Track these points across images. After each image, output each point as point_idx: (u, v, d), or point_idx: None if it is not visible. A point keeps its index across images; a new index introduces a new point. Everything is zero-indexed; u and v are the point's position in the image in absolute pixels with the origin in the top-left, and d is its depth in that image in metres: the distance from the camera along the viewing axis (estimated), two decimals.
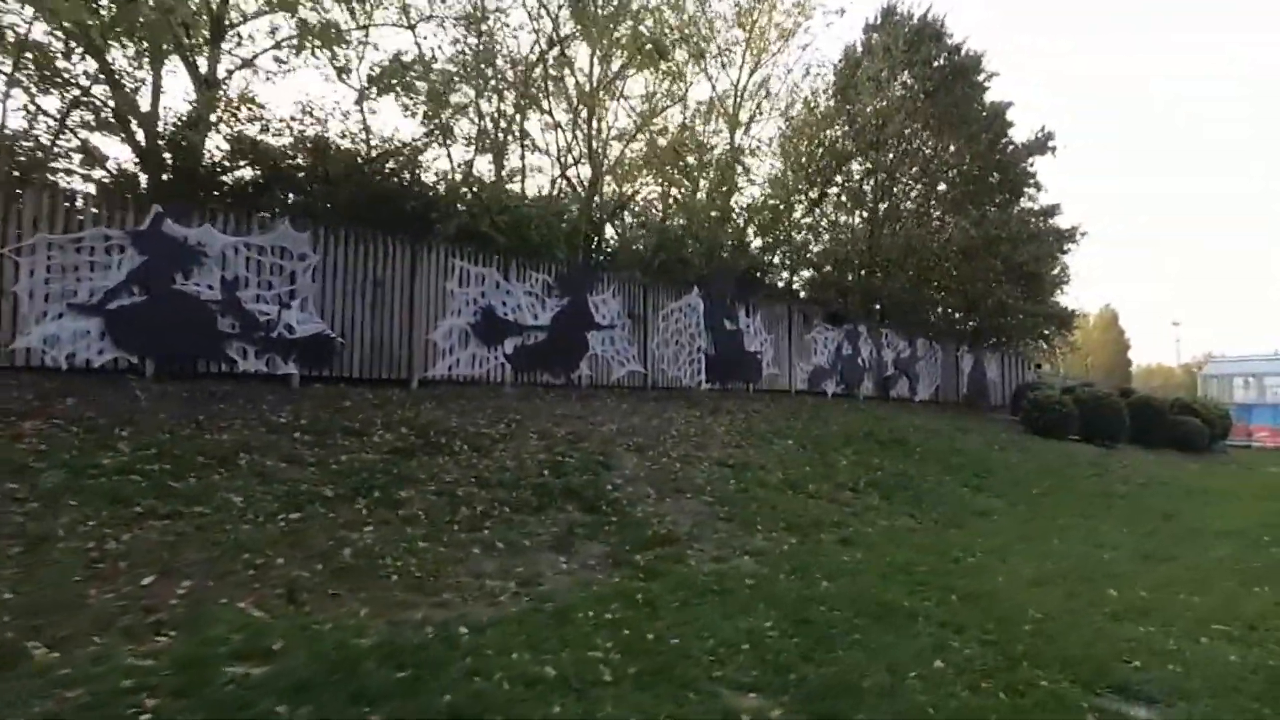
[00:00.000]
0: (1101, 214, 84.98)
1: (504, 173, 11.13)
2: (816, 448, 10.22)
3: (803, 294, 18.44)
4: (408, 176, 9.17)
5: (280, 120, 9.35)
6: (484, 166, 11.13)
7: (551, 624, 4.23)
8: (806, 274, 19.26)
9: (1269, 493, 12.42)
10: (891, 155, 18.53)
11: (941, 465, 10.85)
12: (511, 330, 9.39)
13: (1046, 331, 21.61)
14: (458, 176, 8.96)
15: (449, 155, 10.31)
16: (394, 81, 8.75)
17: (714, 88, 18.71)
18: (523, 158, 12.18)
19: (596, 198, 15.57)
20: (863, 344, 16.01)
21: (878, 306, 18.84)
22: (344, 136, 9.57)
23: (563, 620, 4.27)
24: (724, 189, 16.20)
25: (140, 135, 8.65)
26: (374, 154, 9.30)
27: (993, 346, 21.89)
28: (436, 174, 9.90)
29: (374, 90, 8.83)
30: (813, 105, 18.89)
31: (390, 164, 9.26)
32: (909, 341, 17.62)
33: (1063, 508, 9.43)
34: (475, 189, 9.00)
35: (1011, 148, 19.98)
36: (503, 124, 10.79)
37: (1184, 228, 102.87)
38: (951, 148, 18.32)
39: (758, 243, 17.48)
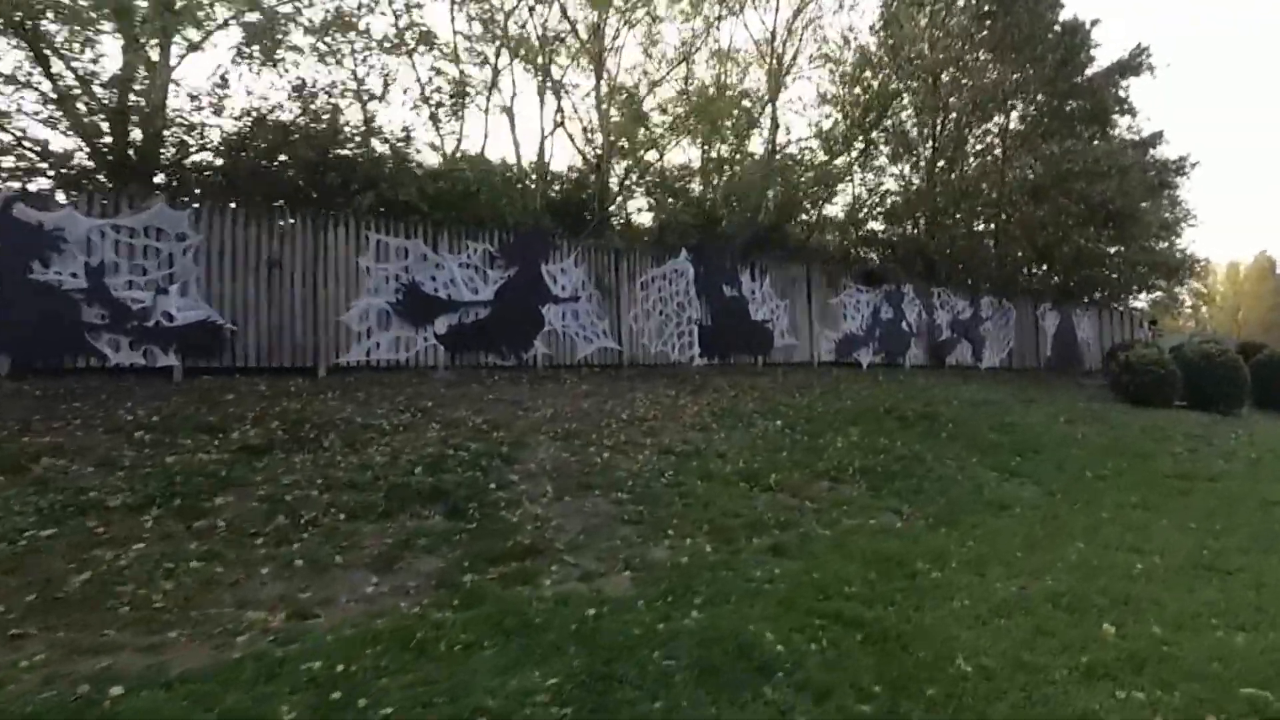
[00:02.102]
0: (1253, 156, 73.44)
1: (449, 135, 10.22)
2: (810, 428, 8.70)
3: (852, 252, 16.45)
4: (333, 146, 8.37)
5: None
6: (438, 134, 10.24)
7: (259, 678, 3.30)
8: (853, 230, 17.14)
9: None
10: (942, 91, 16.04)
11: (972, 445, 9.01)
12: (444, 308, 8.49)
13: (1153, 283, 18.29)
14: (380, 143, 8.11)
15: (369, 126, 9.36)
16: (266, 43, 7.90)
17: (749, 33, 17.07)
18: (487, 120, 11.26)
19: (614, 163, 14.48)
20: (907, 306, 14.00)
21: (930, 263, 16.52)
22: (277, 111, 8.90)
23: (272, 674, 3.32)
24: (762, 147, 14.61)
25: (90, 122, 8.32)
26: (306, 124, 8.56)
27: (1089, 303, 18.89)
28: (383, 140, 9.06)
29: (254, 55, 8.08)
30: (852, 41, 16.77)
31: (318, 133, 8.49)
32: (971, 301, 15.31)
33: (1118, 496, 7.45)
34: (398, 156, 8.10)
35: (1094, 71, 16.88)
36: (442, 85, 9.85)
37: None
38: (1014, 76, 15.57)
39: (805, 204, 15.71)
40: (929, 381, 12.91)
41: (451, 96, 9.88)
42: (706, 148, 15.96)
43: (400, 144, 8.48)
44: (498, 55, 11.39)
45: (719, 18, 16.03)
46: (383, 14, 9.50)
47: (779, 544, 5.49)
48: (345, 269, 7.86)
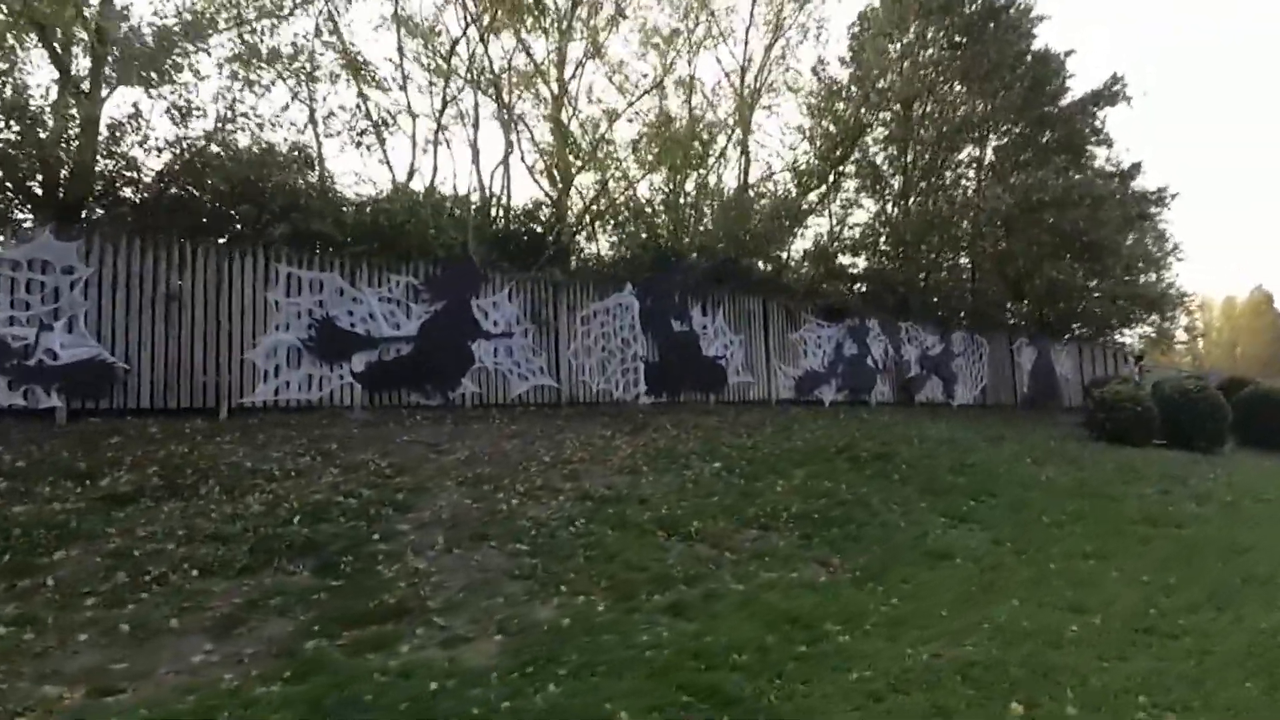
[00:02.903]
0: (1246, 185, 74.00)
1: (379, 164, 9.94)
2: (750, 471, 8.23)
3: (823, 286, 16.11)
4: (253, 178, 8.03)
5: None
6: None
7: None
8: (822, 264, 16.84)
9: None
10: (914, 122, 15.95)
11: (925, 487, 8.51)
12: (361, 344, 8.10)
13: (1134, 317, 17.94)
14: (296, 173, 7.79)
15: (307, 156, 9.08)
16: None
17: (721, 66, 17.05)
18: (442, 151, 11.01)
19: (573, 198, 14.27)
20: (873, 341, 13.60)
21: (903, 297, 16.18)
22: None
23: None
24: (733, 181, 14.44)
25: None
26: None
27: (1070, 338, 18.51)
28: (300, 169, 8.70)
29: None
30: (821, 73, 16.74)
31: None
32: (941, 335, 14.92)
33: (1071, 544, 6.94)
34: (313, 186, 7.80)
35: (1069, 102, 16.79)
36: (370, 113, 9.61)
37: None
38: (983, 105, 15.47)
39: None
40: (894, 419, 12.44)
41: (377, 126, 9.65)
42: (674, 180, 15.79)
43: (314, 172, 8.12)
44: (445, 83, 11.21)
45: (692, 52, 16.09)
46: (307, 40, 9.34)
47: (680, 602, 5.00)
48: (253, 303, 7.49)
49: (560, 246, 12.52)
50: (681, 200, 15.25)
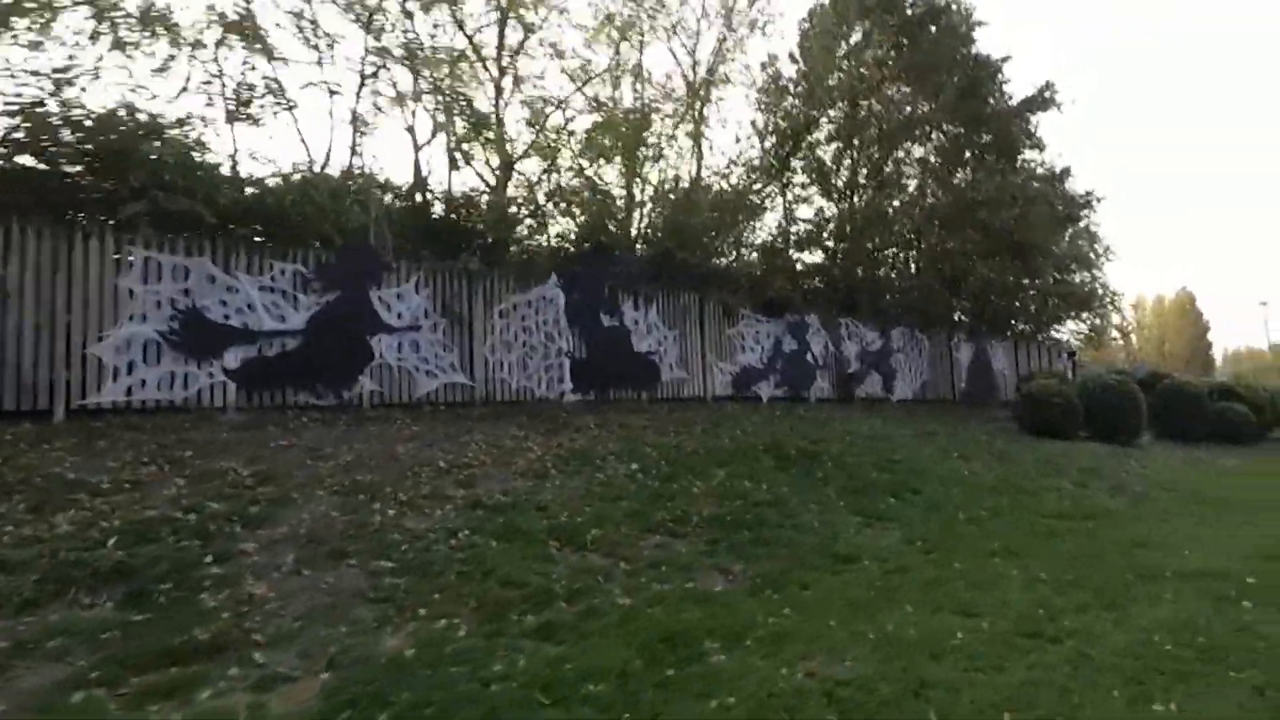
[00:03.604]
0: (1181, 188, 76.88)
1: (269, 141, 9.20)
2: (668, 472, 7.84)
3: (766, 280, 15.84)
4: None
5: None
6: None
7: None
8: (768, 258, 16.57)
9: None
10: (852, 119, 15.78)
11: (847, 486, 8.26)
12: (237, 338, 7.41)
13: (1064, 315, 18.19)
14: (162, 144, 6.98)
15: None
16: None
17: (675, 59, 16.63)
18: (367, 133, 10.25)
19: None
20: (813, 337, 13.37)
21: (849, 293, 16.02)
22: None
23: None
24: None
25: None
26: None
27: (1007, 334, 18.65)
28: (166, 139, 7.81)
29: None
30: (768, 68, 16.47)
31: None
32: (881, 332, 14.79)
33: (982, 542, 6.75)
34: (187, 160, 7.00)
35: (1005, 107, 16.89)
36: (256, 83, 8.83)
37: (1274, 201, 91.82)
38: (925, 106, 15.39)
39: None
40: (830, 415, 12.24)
41: (263, 96, 8.89)
42: (623, 172, 15.31)
43: (186, 142, 7.27)
44: (364, 57, 10.48)
45: (645, 42, 15.63)
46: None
47: (554, 622, 4.58)
48: (100, 291, 6.73)
49: (499, 236, 11.94)
50: (633, 192, 14.80)
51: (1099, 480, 10.30)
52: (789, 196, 16.96)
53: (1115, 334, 32.59)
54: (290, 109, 9.42)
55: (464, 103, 11.52)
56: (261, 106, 8.94)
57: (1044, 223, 15.23)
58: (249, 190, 7.71)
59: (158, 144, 6.97)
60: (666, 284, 11.37)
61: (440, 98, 10.86)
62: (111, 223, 6.93)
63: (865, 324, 14.48)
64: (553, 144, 14.87)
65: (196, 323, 7.11)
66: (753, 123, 16.77)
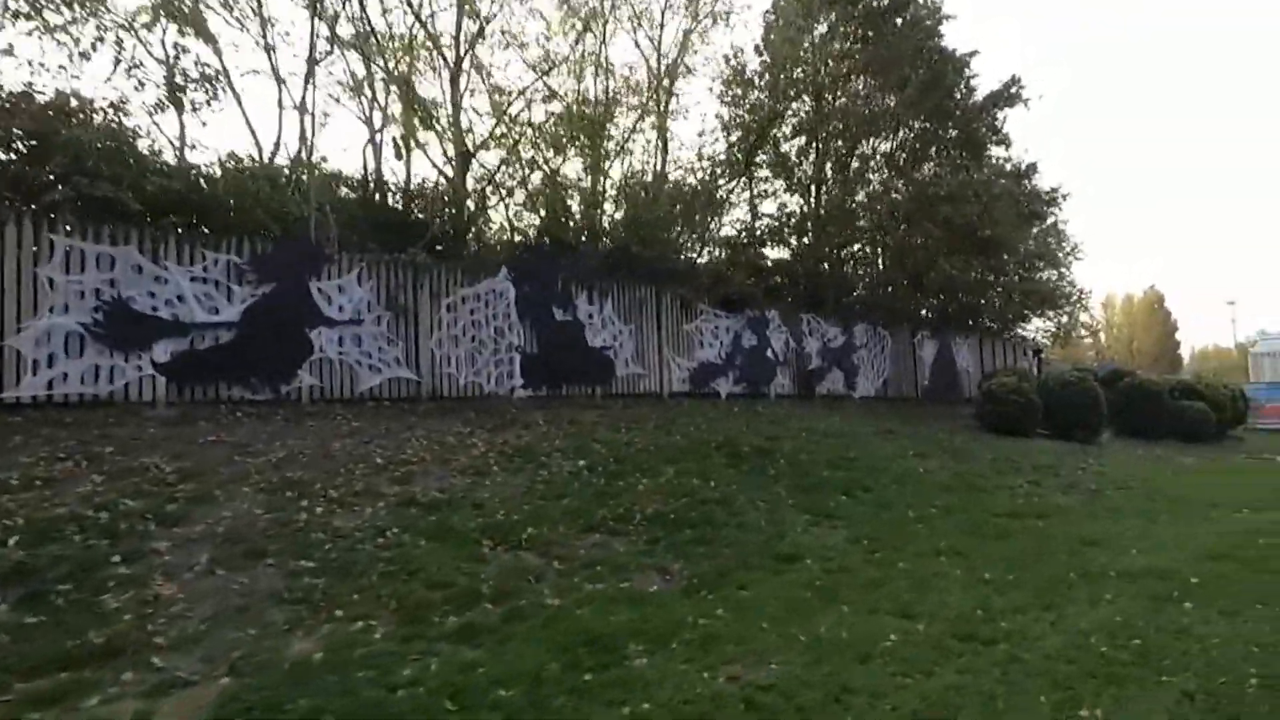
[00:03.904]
0: (1152, 184, 78.31)
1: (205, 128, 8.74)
2: (615, 469, 7.70)
3: (726, 274, 15.74)
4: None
5: None
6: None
7: None
8: (730, 253, 16.47)
9: (1254, 499, 9.36)
10: (817, 113, 15.73)
11: (798, 484, 8.19)
12: (166, 330, 7.10)
13: (1027, 312, 18.35)
14: (87, 128, 6.67)
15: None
16: None
17: (641, 51, 16.40)
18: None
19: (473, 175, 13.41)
20: (773, 333, 13.31)
21: (813, 288, 16.00)
22: None
23: None
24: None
25: None
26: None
27: (972, 331, 18.79)
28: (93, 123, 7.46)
29: None
30: (732, 60, 16.35)
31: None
32: (844, 328, 14.79)
33: (929, 541, 6.70)
34: (116, 145, 6.70)
35: (971, 102, 16.92)
36: (189, 68, 8.49)
37: (1243, 200, 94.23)
38: (890, 100, 15.37)
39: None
40: (789, 412, 12.19)
41: (198, 82, 8.53)
42: (586, 164, 15.11)
43: (112, 128, 6.94)
44: (312, 41, 10.14)
45: (610, 34, 15.43)
46: None
47: (475, 624, 4.42)
48: (18, 281, 6.39)
49: (454, 228, 11.70)
50: (597, 186, 14.61)
51: (1054, 478, 10.36)
52: (753, 191, 16.91)
53: (1083, 332, 33.09)
54: (228, 94, 9.04)
55: (413, 91, 11.22)
56: (198, 93, 8.60)
57: (1008, 219, 15.27)
58: (179, 178, 7.37)
59: (81, 128, 6.64)
60: (624, 278, 11.22)
61: (390, 86, 10.56)
62: (31, 209, 6.61)
63: (828, 320, 14.45)
64: (512, 135, 14.67)
65: (122, 314, 6.79)
66: (718, 116, 16.71)
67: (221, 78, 8.78)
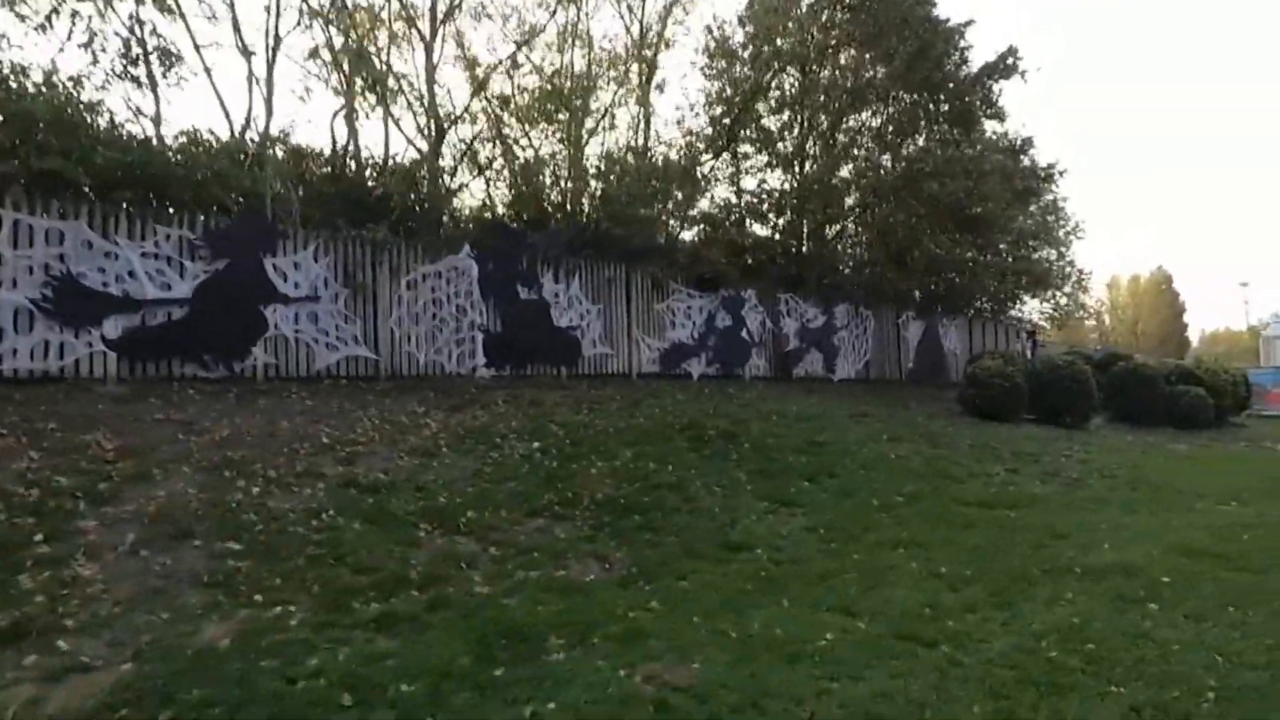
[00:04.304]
0: (1163, 162, 76.67)
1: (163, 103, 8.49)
2: (571, 451, 7.58)
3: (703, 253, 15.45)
4: None
5: None
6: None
7: None
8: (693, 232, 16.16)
9: (1244, 489, 9.13)
10: (802, 86, 15.34)
11: (760, 469, 8.06)
12: (117, 306, 6.93)
13: (1017, 292, 18.07)
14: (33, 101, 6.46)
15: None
16: None
17: (625, 23, 15.97)
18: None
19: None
20: (749, 313, 13.11)
21: (795, 268, 15.75)
22: None
23: None
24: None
25: None
26: None
27: (964, 311, 18.55)
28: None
29: None
30: (715, 31, 15.94)
31: None
32: (824, 308, 14.57)
33: (890, 531, 6.55)
34: (52, 117, 6.47)
35: (965, 73, 16.41)
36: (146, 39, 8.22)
37: (1261, 177, 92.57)
38: (878, 72, 14.95)
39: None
40: (762, 394, 12.05)
41: (159, 54, 8.23)
42: (566, 140, 14.79)
43: (61, 101, 6.71)
44: (276, 13, 9.82)
45: (591, 8, 15.04)
46: None
47: (396, 612, 4.30)
48: None
49: (426, 203, 11.47)
50: (579, 160, 14.30)
51: (1034, 465, 10.13)
52: (736, 168, 16.55)
53: (1083, 313, 32.58)
54: (199, 69, 8.77)
55: (366, 60, 10.90)
56: (157, 66, 8.32)
57: (999, 196, 14.90)
58: (131, 152, 7.16)
59: (30, 100, 6.43)
60: (592, 256, 11.02)
61: (357, 57, 10.25)
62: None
63: (808, 300, 14.22)
64: (493, 108, 14.37)
65: (72, 290, 6.61)
66: (702, 90, 16.34)
67: (187, 52, 8.51)
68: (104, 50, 8.08)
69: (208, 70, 9.68)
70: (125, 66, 8.17)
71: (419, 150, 13.48)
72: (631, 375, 11.18)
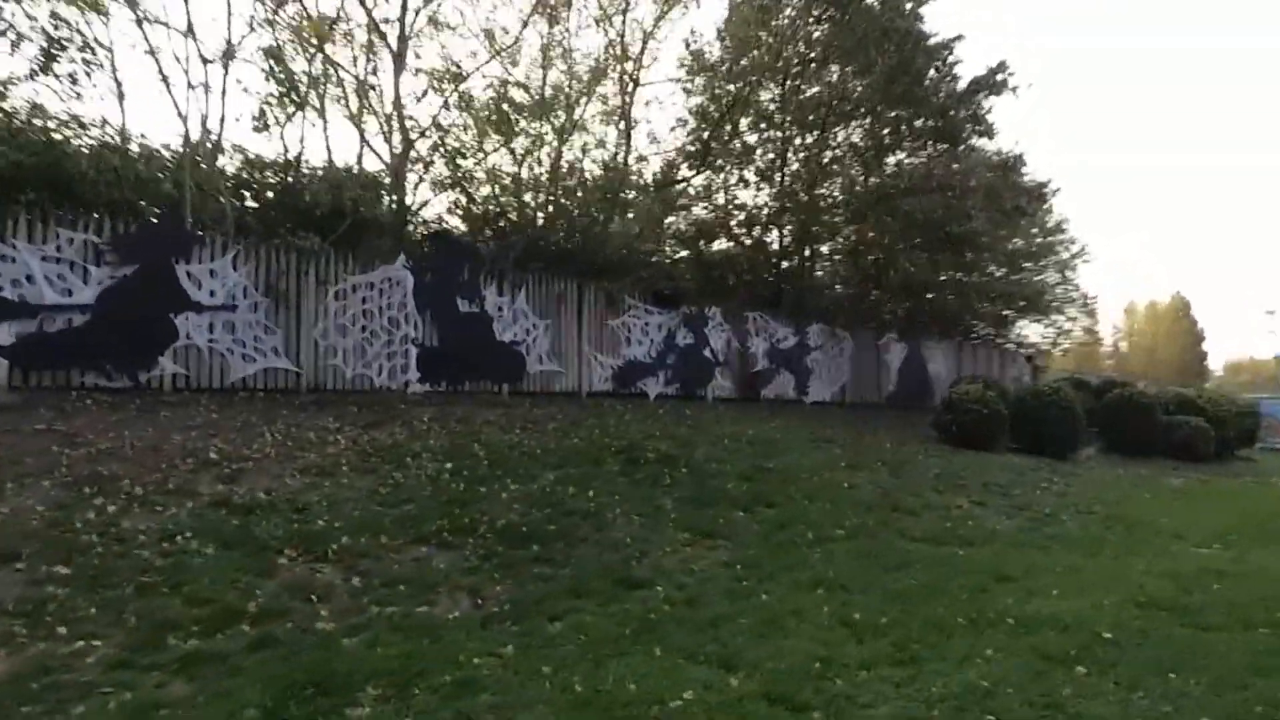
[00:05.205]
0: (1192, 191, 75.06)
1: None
2: (485, 473, 7.16)
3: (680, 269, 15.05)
4: None
5: None
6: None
7: None
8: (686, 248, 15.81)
9: (1231, 530, 8.50)
10: (780, 100, 15.01)
11: (691, 496, 7.58)
12: (12, 312, 6.63)
13: (1009, 315, 17.50)
14: None
15: None
16: None
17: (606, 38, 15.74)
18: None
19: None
20: (712, 331, 12.64)
21: (776, 288, 15.31)
22: None
23: None
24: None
25: None
26: None
27: (954, 336, 17.97)
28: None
29: None
30: (691, 45, 15.67)
31: None
32: (796, 328, 14.08)
33: (813, 570, 5.98)
34: None
35: (951, 88, 15.98)
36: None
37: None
38: (859, 85, 14.57)
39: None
40: (721, 416, 11.55)
41: (81, 50, 8.03)
42: (534, 153, 14.53)
43: None
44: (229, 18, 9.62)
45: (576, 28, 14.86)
46: None
47: (213, 651, 3.91)
48: None
49: (396, 216, 11.21)
50: (556, 178, 13.99)
51: (1004, 499, 9.52)
52: (711, 183, 16.20)
53: (1089, 338, 31.90)
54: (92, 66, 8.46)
55: (324, 66, 10.69)
56: (75, 64, 8.12)
57: (984, 214, 14.38)
58: (33, 151, 6.92)
59: None
60: (543, 269, 10.66)
61: (276, 61, 10.03)
62: None
63: (779, 319, 13.75)
64: (470, 115, 14.13)
65: None
66: (686, 106, 16.04)
67: (133, 56, 8.32)
68: (18, 46, 7.88)
69: (164, 78, 9.54)
70: (45, 63, 7.96)
71: (384, 162, 13.27)
72: (582, 394, 10.76)
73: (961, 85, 15.98)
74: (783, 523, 7.27)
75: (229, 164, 10.20)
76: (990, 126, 16.44)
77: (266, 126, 10.25)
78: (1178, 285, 78.26)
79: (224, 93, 10.04)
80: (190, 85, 9.30)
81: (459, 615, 4.68)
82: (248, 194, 10.32)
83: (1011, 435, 12.72)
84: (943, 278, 14.56)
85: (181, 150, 8.50)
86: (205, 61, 9.39)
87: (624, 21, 15.47)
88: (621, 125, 15.52)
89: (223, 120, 10.09)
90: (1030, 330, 23.16)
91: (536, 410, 9.63)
